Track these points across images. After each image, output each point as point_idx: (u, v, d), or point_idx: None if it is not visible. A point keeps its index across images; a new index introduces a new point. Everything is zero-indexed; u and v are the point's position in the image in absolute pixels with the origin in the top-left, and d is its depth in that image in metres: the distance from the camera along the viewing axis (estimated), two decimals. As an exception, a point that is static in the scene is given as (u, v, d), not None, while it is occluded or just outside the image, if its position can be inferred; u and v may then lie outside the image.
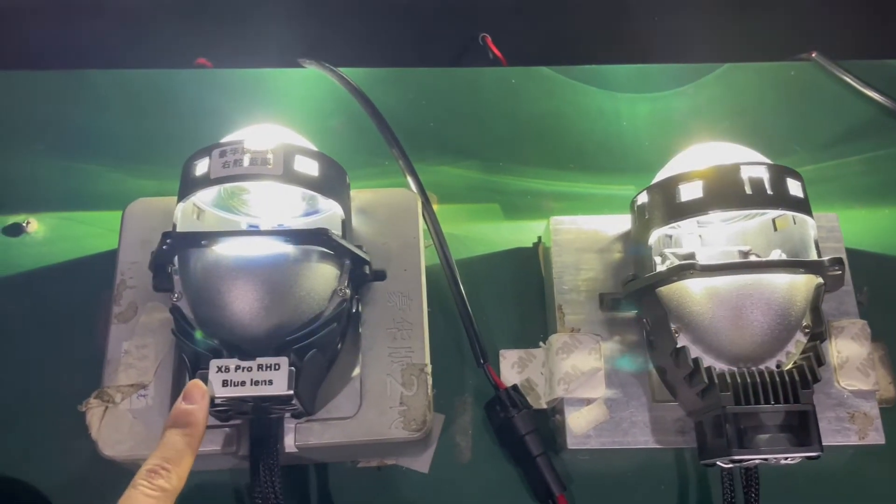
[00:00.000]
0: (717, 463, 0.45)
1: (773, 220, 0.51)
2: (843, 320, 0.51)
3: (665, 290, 0.47)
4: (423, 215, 0.54)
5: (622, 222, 0.54)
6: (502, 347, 0.54)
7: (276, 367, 0.42)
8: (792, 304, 0.45)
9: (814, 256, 0.47)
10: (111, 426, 0.46)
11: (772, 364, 0.45)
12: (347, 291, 0.46)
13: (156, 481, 0.37)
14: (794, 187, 0.46)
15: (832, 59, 0.68)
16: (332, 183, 0.47)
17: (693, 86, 0.68)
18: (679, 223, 0.48)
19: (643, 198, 0.50)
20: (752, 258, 0.49)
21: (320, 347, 0.44)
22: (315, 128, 0.58)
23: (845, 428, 0.49)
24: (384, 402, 0.47)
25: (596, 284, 0.53)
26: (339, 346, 0.46)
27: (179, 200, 0.46)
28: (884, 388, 0.51)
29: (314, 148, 0.48)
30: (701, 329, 0.45)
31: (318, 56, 0.67)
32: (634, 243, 0.51)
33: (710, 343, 0.45)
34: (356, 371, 0.48)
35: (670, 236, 0.52)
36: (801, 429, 0.43)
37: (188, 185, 0.45)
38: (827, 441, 0.45)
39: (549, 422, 0.52)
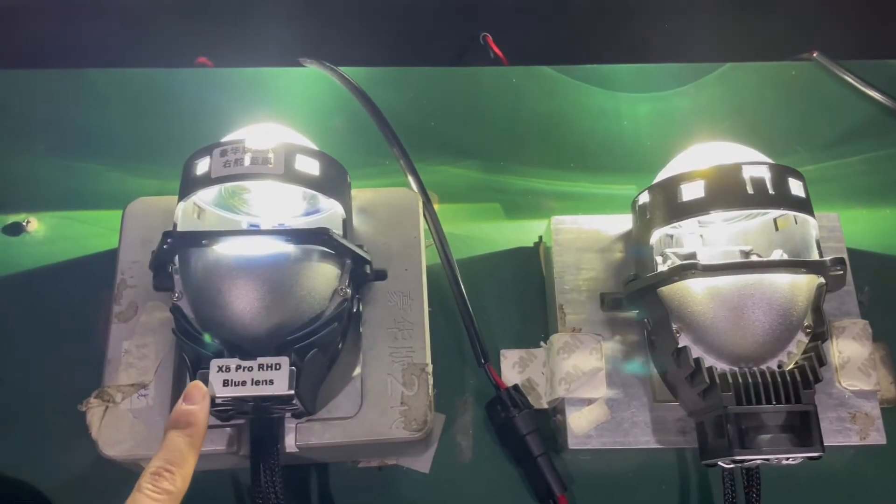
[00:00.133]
0: (719, 463, 0.45)
1: (775, 220, 0.51)
2: (845, 320, 0.51)
3: (666, 289, 0.47)
4: (424, 215, 0.54)
5: (623, 222, 0.54)
6: (503, 347, 0.54)
7: (277, 366, 0.42)
8: (793, 304, 0.45)
9: (815, 256, 0.47)
10: (111, 426, 0.46)
11: (773, 364, 0.45)
12: (348, 291, 0.46)
13: (160, 484, 0.37)
14: (796, 187, 0.46)
15: (833, 59, 0.68)
16: (333, 182, 0.46)
17: (694, 85, 0.68)
18: (680, 223, 0.48)
19: (644, 197, 0.50)
20: (754, 258, 0.49)
21: (321, 347, 0.44)
22: (316, 127, 0.58)
23: (846, 428, 0.49)
24: (385, 401, 0.47)
25: (597, 284, 0.53)
26: (340, 345, 0.45)
27: (180, 200, 0.46)
28: (885, 388, 0.51)
29: (315, 147, 0.48)
30: (702, 329, 0.45)
31: (319, 55, 0.67)
32: (635, 243, 0.51)
33: (711, 343, 0.45)
34: (357, 371, 0.48)
35: (671, 236, 0.52)
36: (803, 429, 0.43)
37: (189, 185, 0.45)
38: (828, 441, 0.45)
39: (550, 422, 0.52)
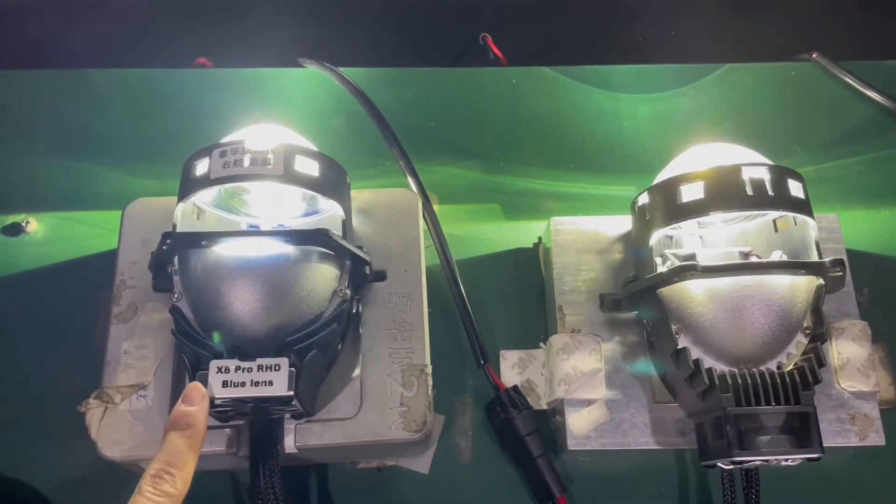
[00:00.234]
0: (718, 464, 0.45)
1: (774, 221, 0.51)
2: (844, 321, 0.51)
3: (666, 291, 0.47)
4: (424, 215, 0.54)
5: (623, 223, 0.54)
6: (503, 348, 0.54)
7: (277, 367, 0.42)
8: (793, 305, 0.45)
9: (814, 257, 0.47)
10: (111, 427, 0.46)
11: (772, 365, 0.45)
12: (348, 292, 0.46)
13: (161, 486, 0.37)
14: (795, 188, 0.46)
15: (832, 60, 0.68)
16: (333, 183, 0.46)
17: (693, 86, 0.68)
18: (680, 224, 0.48)
19: (644, 198, 0.50)
20: (753, 259, 0.49)
21: (320, 348, 0.44)
22: (315, 128, 0.58)
23: (846, 429, 0.49)
24: (384, 402, 0.47)
25: (596, 285, 0.53)
26: (340, 346, 0.45)
27: (179, 200, 0.46)
28: (884, 389, 0.51)
29: (314, 148, 0.48)
30: (702, 330, 0.45)
31: (319, 56, 0.67)
32: (635, 244, 0.51)
33: (710, 344, 0.45)
34: (356, 372, 0.48)
35: (671, 237, 0.52)
36: (802, 430, 0.43)
37: (188, 185, 0.45)
38: (827, 442, 0.45)
39: (550, 423, 0.52)
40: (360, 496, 0.51)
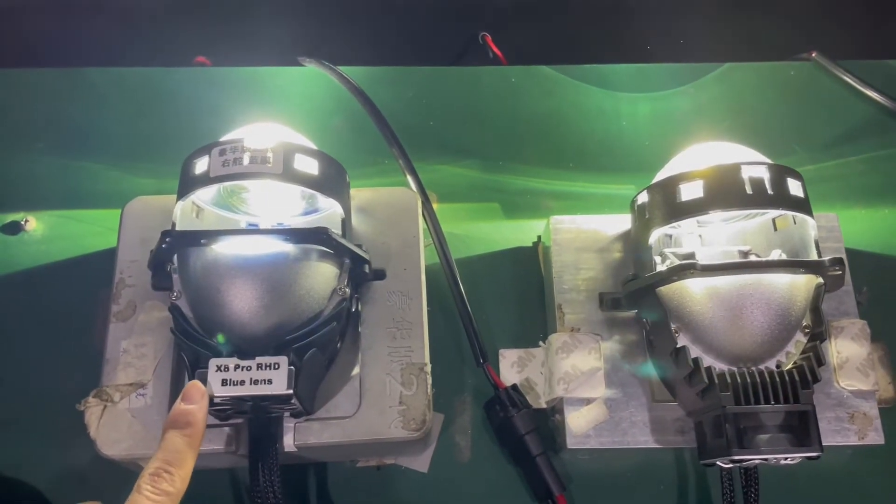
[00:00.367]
0: (717, 463, 0.45)
1: (773, 220, 0.51)
2: (843, 320, 0.51)
3: (665, 289, 0.47)
4: (423, 214, 0.54)
5: (622, 222, 0.54)
6: (502, 347, 0.54)
7: (276, 366, 0.42)
8: (792, 304, 0.45)
9: (814, 256, 0.47)
10: (110, 425, 0.46)
11: (772, 364, 0.45)
12: (347, 290, 0.46)
13: (160, 485, 0.37)
14: (795, 187, 0.46)
15: (832, 59, 0.68)
16: (332, 182, 0.46)
17: (693, 85, 0.68)
18: (679, 223, 0.48)
19: (643, 197, 0.50)
20: (753, 258, 0.49)
21: (320, 346, 0.44)
22: (315, 126, 0.58)
23: (845, 428, 0.49)
24: (384, 401, 0.47)
25: (596, 284, 0.53)
26: (339, 345, 0.45)
27: (179, 199, 0.45)
28: (883, 388, 0.51)
29: (314, 147, 0.48)
30: (701, 329, 0.45)
31: (318, 54, 0.67)
32: (634, 243, 0.51)
33: (710, 343, 0.45)
34: (356, 370, 0.48)
35: (670, 236, 0.52)
36: (801, 429, 0.43)
37: (187, 184, 0.45)
38: (826, 441, 0.45)
39: (549, 421, 0.52)
40: (360, 495, 0.51)
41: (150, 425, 0.46)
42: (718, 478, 0.47)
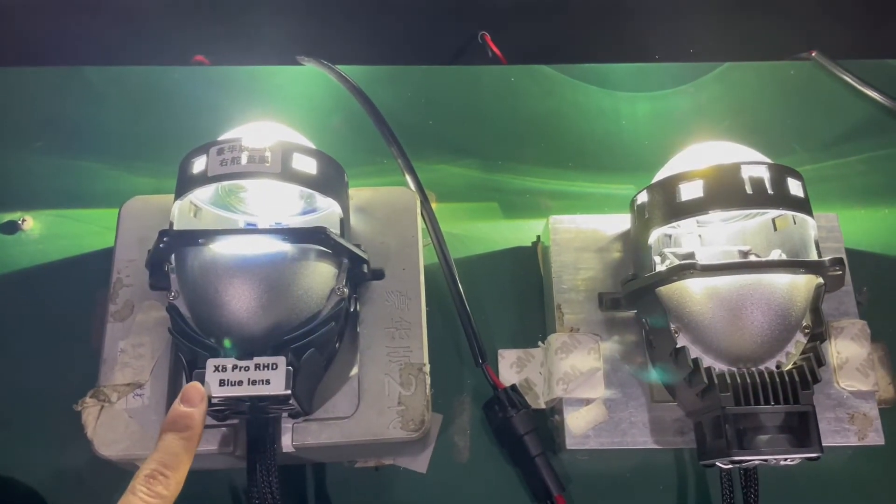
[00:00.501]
0: (717, 464, 0.45)
1: (773, 220, 0.51)
2: (843, 321, 0.51)
3: (665, 289, 0.46)
4: (422, 214, 0.54)
5: (621, 222, 0.54)
6: (501, 347, 0.54)
7: (274, 366, 0.42)
8: (792, 304, 0.45)
9: (814, 256, 0.47)
10: (107, 425, 0.46)
11: (771, 364, 0.45)
12: (345, 290, 0.46)
13: (154, 487, 0.37)
14: (795, 187, 0.46)
15: (832, 59, 0.68)
16: (331, 181, 0.46)
17: (693, 85, 0.68)
18: (679, 223, 0.48)
19: (643, 197, 0.49)
20: (752, 258, 0.49)
21: (318, 347, 0.43)
22: (313, 126, 0.58)
23: (845, 429, 0.49)
24: (382, 401, 0.47)
25: (595, 284, 0.53)
26: (337, 345, 0.45)
27: (176, 198, 0.45)
28: (883, 388, 0.51)
29: (312, 146, 0.48)
30: (701, 329, 0.45)
31: (317, 53, 0.67)
32: (634, 243, 0.51)
33: (709, 343, 0.45)
34: (354, 370, 0.48)
35: (670, 236, 0.52)
36: (801, 430, 0.43)
37: (185, 183, 0.45)
38: (826, 442, 0.45)
39: (548, 422, 0.52)
40: (358, 496, 0.51)
41: (147, 426, 0.46)
42: (718, 478, 0.47)
